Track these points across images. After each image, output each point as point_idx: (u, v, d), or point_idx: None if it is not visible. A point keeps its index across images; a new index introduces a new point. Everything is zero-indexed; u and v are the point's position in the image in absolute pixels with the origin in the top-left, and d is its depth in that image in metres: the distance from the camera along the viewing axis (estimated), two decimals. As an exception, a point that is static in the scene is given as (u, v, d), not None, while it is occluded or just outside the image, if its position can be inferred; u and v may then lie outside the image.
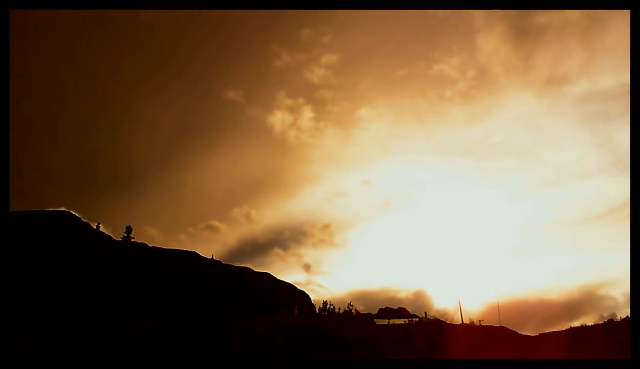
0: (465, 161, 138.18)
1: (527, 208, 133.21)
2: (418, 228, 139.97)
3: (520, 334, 29.84)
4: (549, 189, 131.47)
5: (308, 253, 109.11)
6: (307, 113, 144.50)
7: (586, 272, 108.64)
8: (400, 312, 50.84)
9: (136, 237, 42.27)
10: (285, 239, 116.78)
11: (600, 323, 29.46)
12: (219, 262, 46.26)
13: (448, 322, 31.82)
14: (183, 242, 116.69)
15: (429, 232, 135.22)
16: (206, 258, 45.50)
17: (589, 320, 33.19)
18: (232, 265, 47.66)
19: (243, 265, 49.54)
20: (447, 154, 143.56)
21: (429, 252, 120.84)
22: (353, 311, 29.51)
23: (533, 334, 29.61)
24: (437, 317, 31.87)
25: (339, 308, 29.63)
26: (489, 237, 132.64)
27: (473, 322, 30.72)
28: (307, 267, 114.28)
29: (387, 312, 51.15)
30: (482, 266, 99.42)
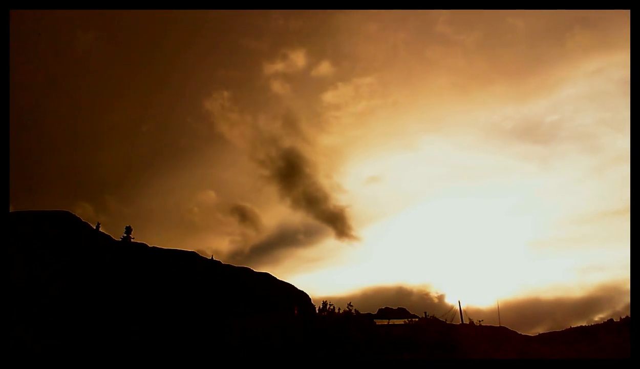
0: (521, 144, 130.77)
1: (576, 197, 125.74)
2: (441, 223, 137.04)
3: (520, 334, 30.06)
4: (601, 175, 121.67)
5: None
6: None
7: (614, 268, 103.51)
8: (401, 312, 51.07)
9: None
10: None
11: (600, 323, 29.68)
12: (218, 262, 46.28)
13: (448, 322, 31.92)
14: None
15: (453, 227, 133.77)
16: (206, 258, 45.51)
17: (600, 318, 33.06)
18: (232, 265, 47.67)
19: (243, 265, 49.62)
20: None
21: (450, 247, 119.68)
22: (353, 311, 29.48)
23: (532, 335, 29.87)
24: (437, 317, 31.97)
25: (339, 308, 29.59)
26: (514, 233, 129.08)
27: (472, 322, 30.84)
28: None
29: (387, 312, 51.37)
30: (501, 262, 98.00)
